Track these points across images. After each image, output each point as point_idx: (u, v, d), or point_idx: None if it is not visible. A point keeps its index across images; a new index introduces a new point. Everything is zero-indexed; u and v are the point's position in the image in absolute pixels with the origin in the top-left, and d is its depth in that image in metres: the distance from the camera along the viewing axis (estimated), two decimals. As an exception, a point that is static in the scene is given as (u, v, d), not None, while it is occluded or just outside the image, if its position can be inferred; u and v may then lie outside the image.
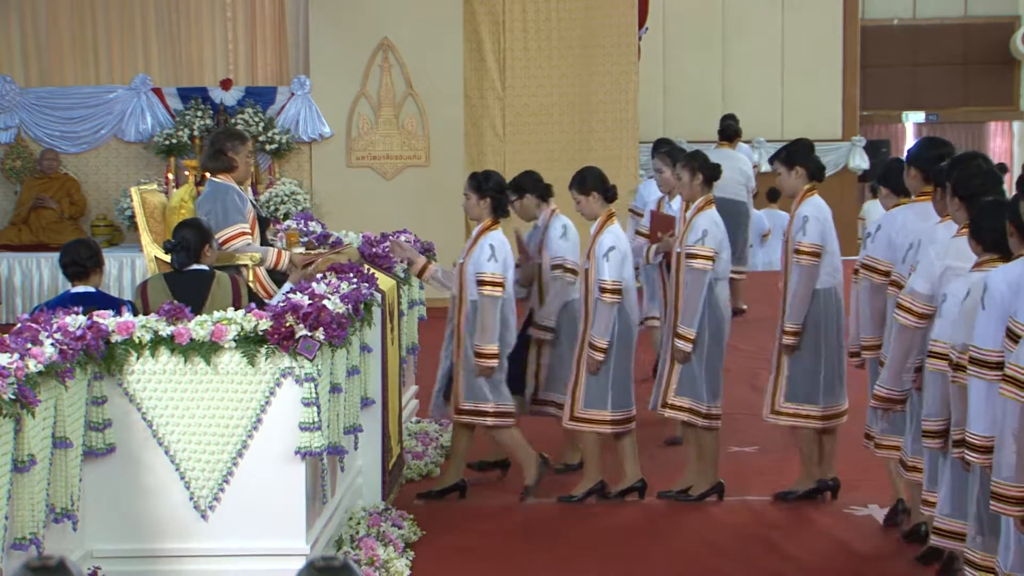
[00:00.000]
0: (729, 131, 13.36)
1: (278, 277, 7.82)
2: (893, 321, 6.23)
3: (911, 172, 6.90)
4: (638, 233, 9.23)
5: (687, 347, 7.55)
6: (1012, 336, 4.80)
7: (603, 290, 7.53)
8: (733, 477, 7.97)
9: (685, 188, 7.77)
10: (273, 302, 6.70)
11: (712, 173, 7.75)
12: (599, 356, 7.56)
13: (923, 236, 6.38)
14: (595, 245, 7.62)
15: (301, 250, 8.17)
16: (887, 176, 7.22)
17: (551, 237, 8.09)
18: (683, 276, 7.60)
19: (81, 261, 6.59)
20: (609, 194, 7.75)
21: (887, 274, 6.75)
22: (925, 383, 5.89)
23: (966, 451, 5.15)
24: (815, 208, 7.52)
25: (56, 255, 6.88)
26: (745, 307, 12.92)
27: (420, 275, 8.03)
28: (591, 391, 7.63)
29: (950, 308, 5.54)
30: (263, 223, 8.22)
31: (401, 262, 8.17)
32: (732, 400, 9.55)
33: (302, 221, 8.98)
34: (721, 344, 7.70)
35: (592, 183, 7.74)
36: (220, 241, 7.62)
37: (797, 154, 7.64)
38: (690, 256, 7.56)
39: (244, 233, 7.78)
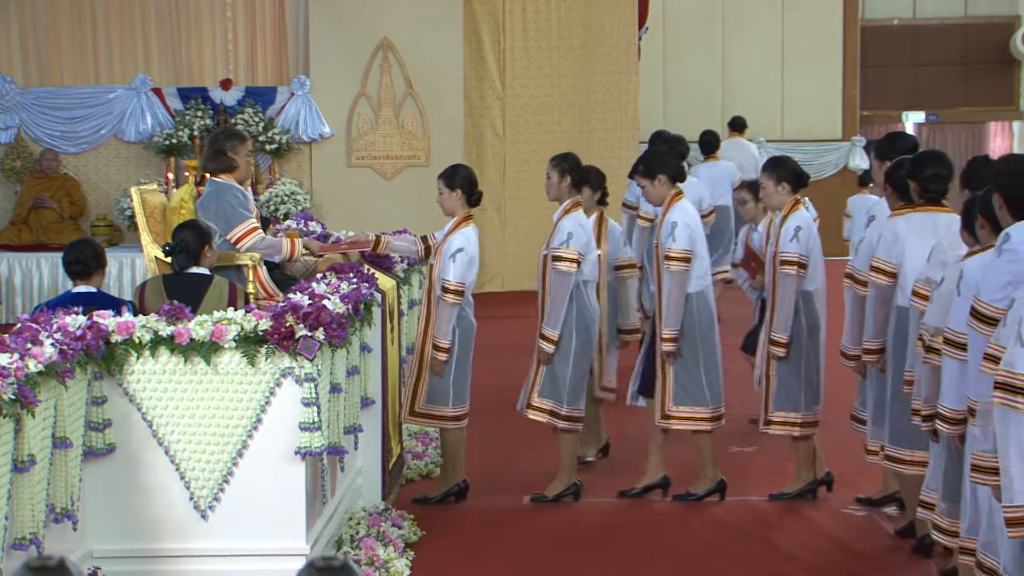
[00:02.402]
0: (738, 123, 14.73)
1: (279, 277, 7.82)
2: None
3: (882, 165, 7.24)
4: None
5: (550, 348, 7.58)
6: (978, 316, 5.03)
7: (445, 290, 7.47)
8: (733, 477, 7.97)
9: (553, 189, 7.75)
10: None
11: (582, 176, 7.75)
12: (442, 356, 7.51)
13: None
14: (444, 244, 7.56)
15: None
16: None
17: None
18: (548, 279, 7.62)
19: (85, 260, 6.60)
20: (473, 198, 7.71)
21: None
22: (918, 371, 6.03)
23: (938, 422, 5.43)
24: (684, 214, 7.61)
25: (56, 255, 6.91)
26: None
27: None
28: (434, 388, 7.60)
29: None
30: (263, 223, 8.21)
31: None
32: (732, 401, 9.55)
33: (302, 221, 8.97)
34: (589, 346, 7.71)
35: (460, 181, 7.70)
36: (233, 240, 7.59)
37: (655, 164, 7.72)
38: (555, 259, 7.57)
39: (255, 228, 7.73)
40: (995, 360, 4.75)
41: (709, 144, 14.46)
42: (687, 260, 7.52)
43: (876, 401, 6.94)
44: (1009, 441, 4.36)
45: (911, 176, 6.65)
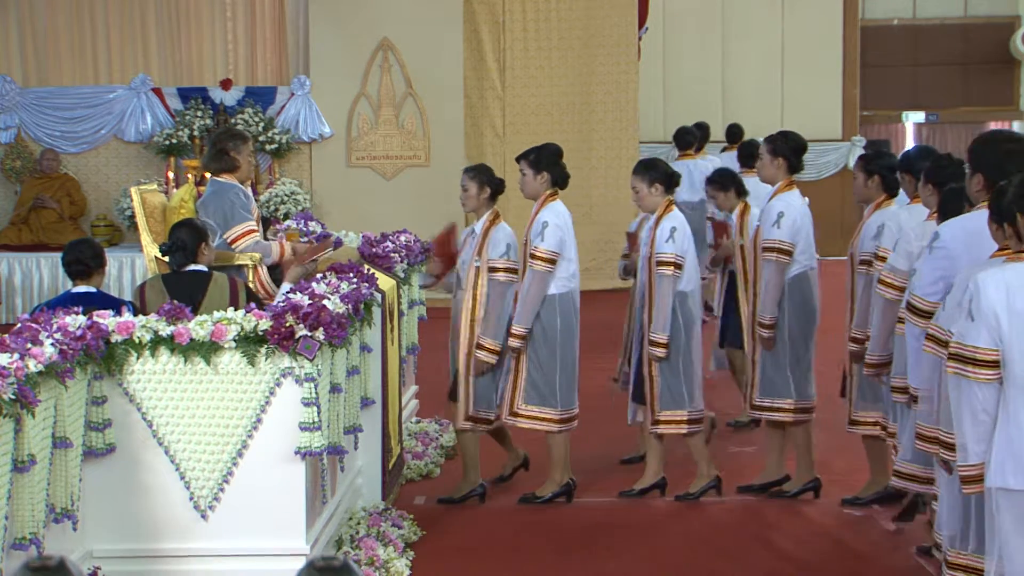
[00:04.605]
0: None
1: (279, 277, 7.82)
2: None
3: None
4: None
5: (492, 359, 7.55)
6: (913, 310, 5.56)
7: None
8: (733, 477, 7.98)
9: (471, 200, 7.71)
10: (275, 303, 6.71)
11: (498, 188, 7.73)
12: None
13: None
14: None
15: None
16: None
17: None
18: (487, 288, 7.59)
19: (85, 260, 6.60)
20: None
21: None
22: (894, 346, 6.37)
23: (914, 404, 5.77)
24: (556, 215, 7.60)
25: (56, 255, 6.90)
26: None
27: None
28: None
29: None
30: (263, 223, 8.22)
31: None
32: (733, 402, 9.57)
33: (302, 221, 8.97)
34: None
35: (546, 163, 7.68)
36: (229, 240, 7.59)
37: (544, 161, 7.69)
38: (492, 270, 7.57)
39: (252, 231, 7.74)
40: (938, 341, 5.05)
41: (733, 135, 14.45)
42: (552, 261, 7.51)
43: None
44: (962, 407, 4.68)
45: (904, 170, 6.93)
